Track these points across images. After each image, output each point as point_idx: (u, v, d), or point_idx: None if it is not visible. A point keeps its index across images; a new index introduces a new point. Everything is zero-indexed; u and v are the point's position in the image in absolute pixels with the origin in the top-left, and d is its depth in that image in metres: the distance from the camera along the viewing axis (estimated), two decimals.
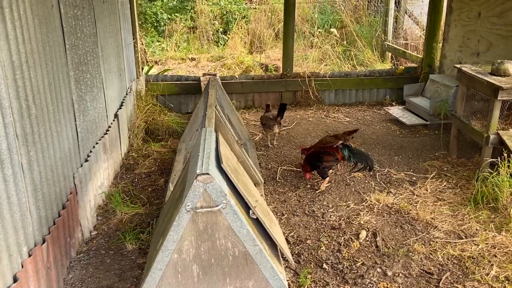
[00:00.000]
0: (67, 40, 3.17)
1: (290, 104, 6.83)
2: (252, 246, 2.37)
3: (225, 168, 2.47)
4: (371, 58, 8.64)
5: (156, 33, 10.17)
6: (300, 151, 4.74)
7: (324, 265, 3.16)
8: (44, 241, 2.61)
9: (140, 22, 10.10)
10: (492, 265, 3.14)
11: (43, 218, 2.64)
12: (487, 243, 3.39)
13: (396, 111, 6.34)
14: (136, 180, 4.40)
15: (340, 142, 4.50)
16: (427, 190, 4.20)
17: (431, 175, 4.47)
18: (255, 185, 3.82)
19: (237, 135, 4.64)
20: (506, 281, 2.98)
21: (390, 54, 8.81)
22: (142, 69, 6.30)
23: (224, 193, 2.28)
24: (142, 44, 6.58)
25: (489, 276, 3.02)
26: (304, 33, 9.57)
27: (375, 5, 9.88)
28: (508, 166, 3.78)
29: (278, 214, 3.85)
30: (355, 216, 3.79)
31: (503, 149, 3.99)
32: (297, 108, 6.68)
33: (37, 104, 2.63)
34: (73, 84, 3.27)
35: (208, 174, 2.26)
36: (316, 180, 4.43)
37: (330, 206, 3.97)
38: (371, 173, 4.51)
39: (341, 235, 3.53)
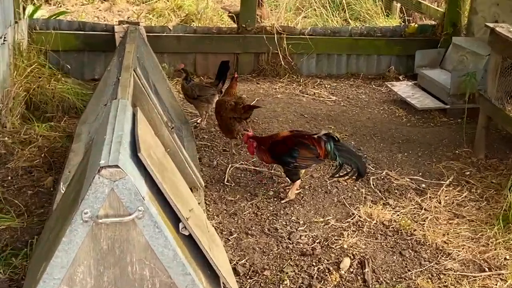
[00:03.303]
0: None
1: (251, 73, 6.82)
2: (181, 275, 2.38)
3: (144, 159, 2.46)
4: (372, 11, 8.80)
5: None
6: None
7: None
8: None
9: None
10: None
11: None
12: None
13: (403, 88, 6.52)
14: (10, 178, 4.36)
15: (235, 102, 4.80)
16: (440, 203, 4.34)
17: (447, 182, 4.62)
18: (191, 189, 3.86)
19: (167, 115, 4.59)
20: None
21: (398, 5, 8.97)
22: (24, 9, 6.15)
23: (141, 195, 2.28)
24: None
25: None
26: None
27: None
28: None
29: (225, 232, 3.91)
30: (336, 238, 3.86)
31: None
32: (261, 79, 6.71)
33: None
34: None
35: (117, 166, 2.25)
36: (282, 182, 4.46)
37: (301, 222, 4.06)
38: (359, 181, 4.58)
39: (314, 264, 3.59)
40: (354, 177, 4.37)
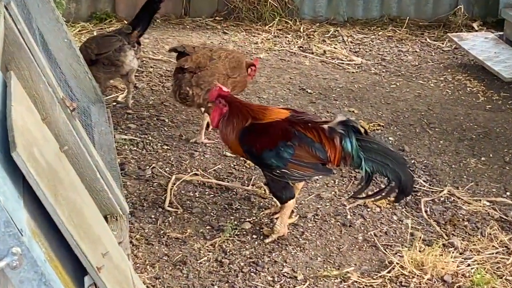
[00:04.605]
0: None
1: (213, 16, 6.77)
2: None
3: (23, 163, 2.41)
4: None
5: None
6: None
7: None
8: None
9: None
10: None
11: None
12: None
13: (480, 44, 6.36)
14: None
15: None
16: None
17: None
18: (106, 217, 3.89)
19: (64, 87, 4.54)
20: None
21: None
22: None
23: (18, 228, 2.26)
24: None
25: None
26: None
27: None
28: None
29: None
30: None
31: None
32: (231, 26, 6.86)
33: None
34: None
35: None
36: (266, 207, 4.26)
37: (300, 277, 3.79)
38: (404, 200, 4.31)
39: None
40: (392, 197, 4.04)
